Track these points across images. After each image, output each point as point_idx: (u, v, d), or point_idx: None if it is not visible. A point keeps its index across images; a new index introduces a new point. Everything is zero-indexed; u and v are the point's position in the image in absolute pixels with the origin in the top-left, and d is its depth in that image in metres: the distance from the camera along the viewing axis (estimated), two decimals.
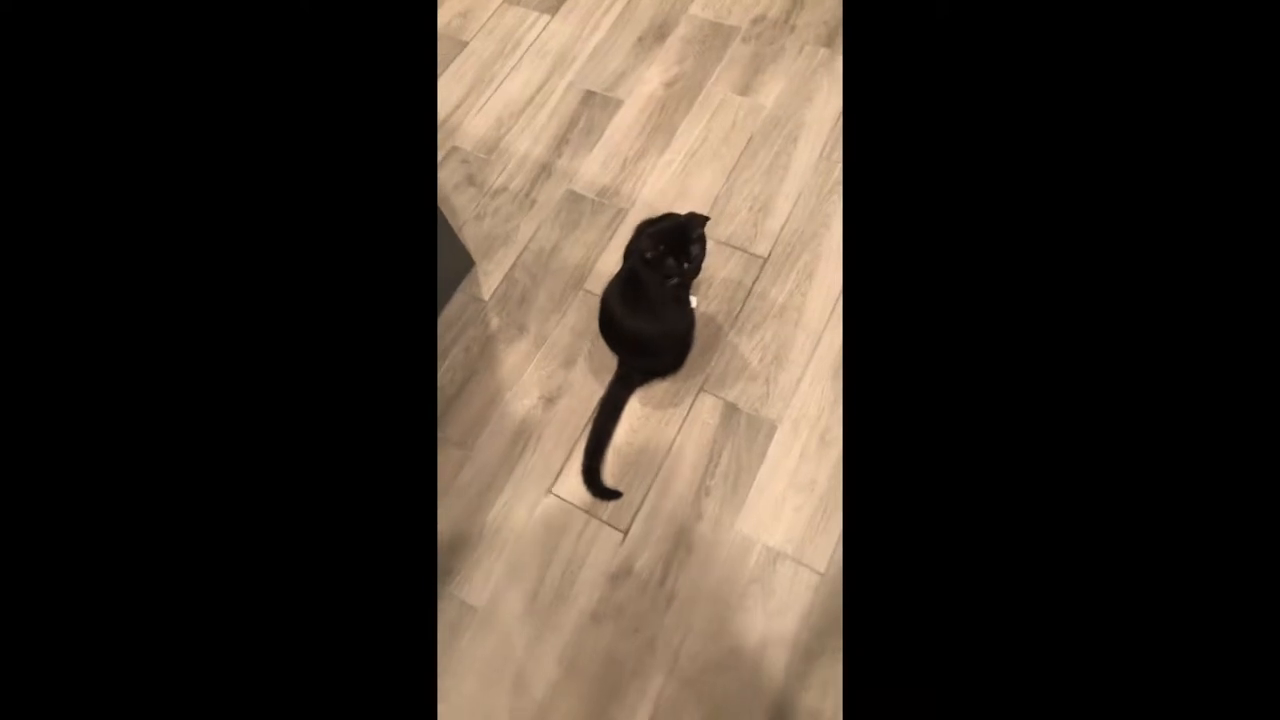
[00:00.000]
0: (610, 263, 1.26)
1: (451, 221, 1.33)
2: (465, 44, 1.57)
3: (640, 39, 1.52)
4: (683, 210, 1.26)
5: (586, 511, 1.07)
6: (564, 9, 1.59)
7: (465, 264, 1.28)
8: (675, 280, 0.98)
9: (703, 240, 0.98)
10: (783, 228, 1.26)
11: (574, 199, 1.35)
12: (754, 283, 1.22)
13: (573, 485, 1.09)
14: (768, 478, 1.06)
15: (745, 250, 1.25)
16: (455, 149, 1.43)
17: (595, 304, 1.12)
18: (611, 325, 1.06)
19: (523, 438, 1.13)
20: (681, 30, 1.52)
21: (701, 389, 1.14)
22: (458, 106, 1.48)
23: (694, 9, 1.55)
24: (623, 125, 1.42)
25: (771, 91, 1.41)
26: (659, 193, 1.33)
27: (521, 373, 1.19)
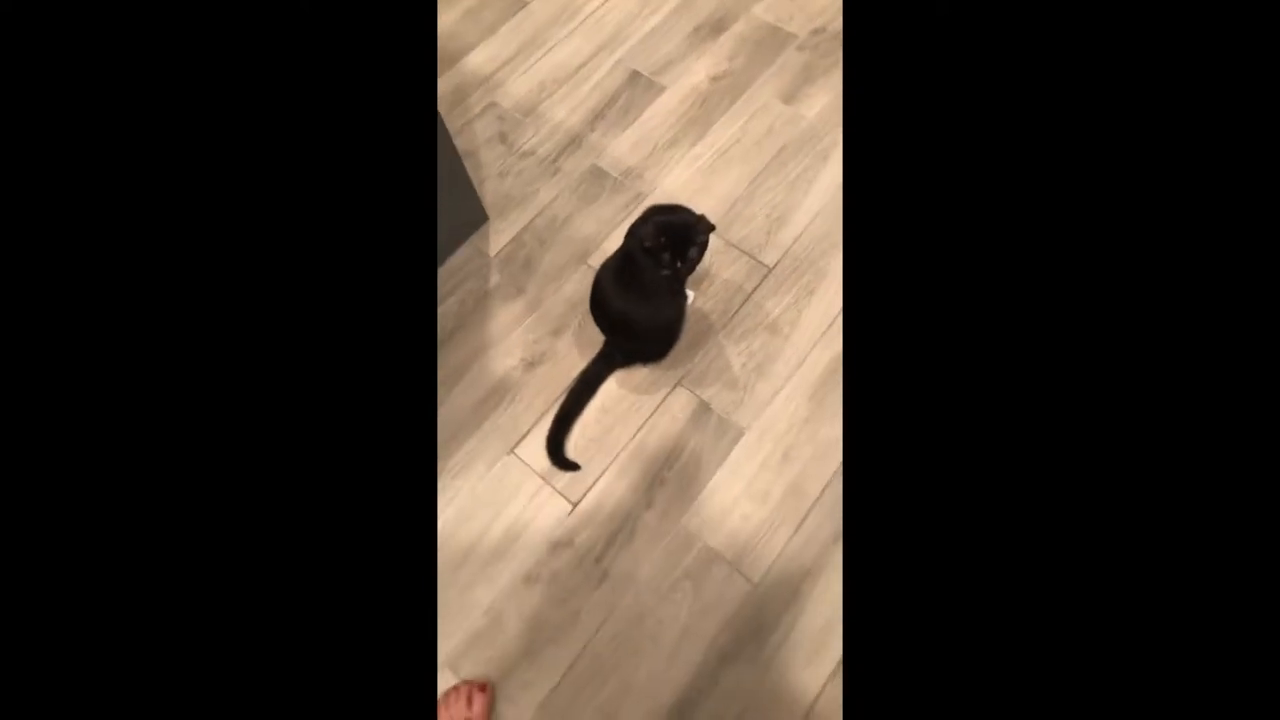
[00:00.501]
0: (618, 242, 1.27)
1: (474, 175, 1.35)
2: (526, 4, 1.58)
3: (697, 29, 1.52)
4: (700, 205, 1.27)
5: (542, 477, 1.09)
6: None
7: (479, 217, 1.30)
8: (668, 273, 0.99)
9: (704, 245, 0.99)
10: (795, 241, 1.26)
11: (597, 174, 1.36)
12: (754, 290, 1.22)
13: (535, 450, 1.11)
14: (724, 481, 1.07)
15: (753, 256, 1.25)
16: (493, 105, 1.45)
17: None
18: (601, 303, 1.08)
19: (497, 395, 1.16)
20: (739, 28, 1.51)
21: (679, 383, 1.15)
22: (505, 64, 1.50)
23: (757, 9, 1.54)
24: (661, 111, 1.42)
25: (815, 104, 1.40)
26: (682, 183, 1.34)
27: (510, 332, 1.21)
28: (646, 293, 1.04)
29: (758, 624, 0.97)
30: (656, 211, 1.04)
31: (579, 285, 1.24)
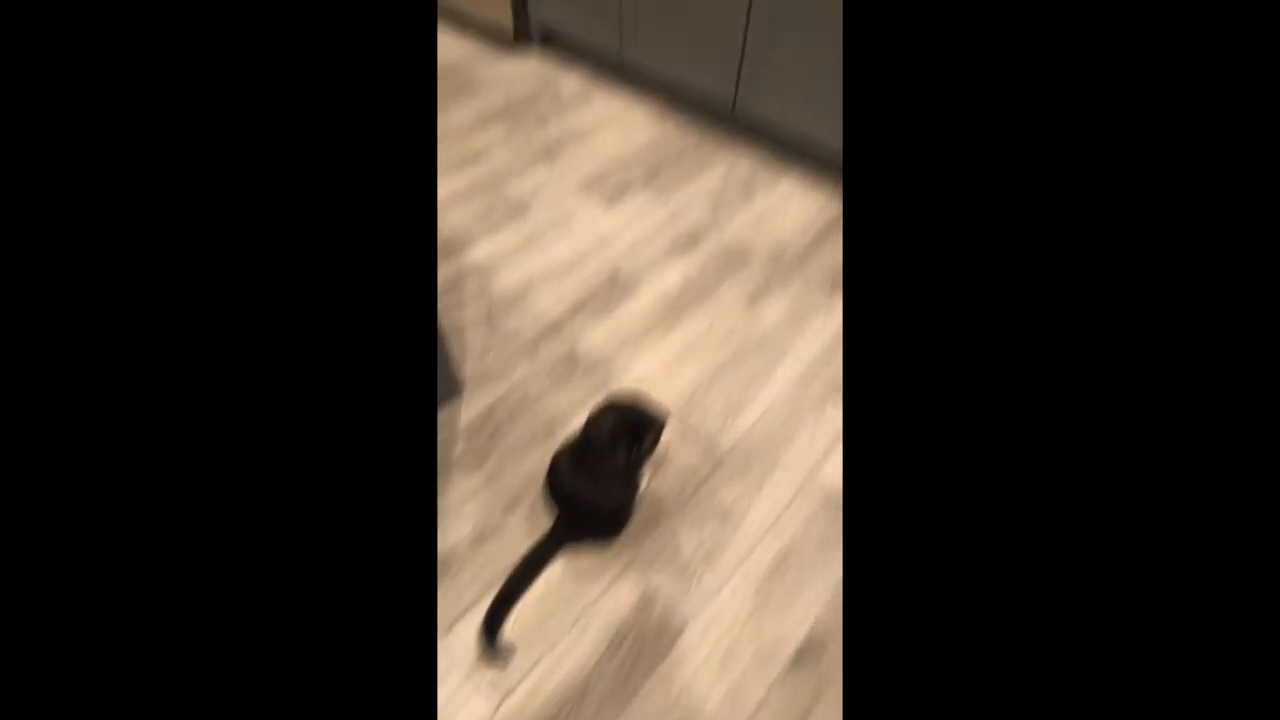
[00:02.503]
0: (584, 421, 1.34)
1: (457, 350, 1.46)
2: (528, 209, 1.84)
3: (675, 240, 1.75)
4: (664, 391, 1.36)
5: (469, 669, 1.03)
6: (620, 204, 1.86)
7: (454, 389, 1.38)
8: (622, 462, 1.04)
9: (658, 436, 1.05)
10: (749, 430, 1.33)
11: (572, 359, 1.47)
12: (710, 474, 1.26)
13: (468, 635, 1.06)
14: (661, 681, 1.01)
15: (709, 443, 1.31)
16: (485, 291, 1.61)
17: None
18: (555, 482, 1.11)
19: (440, 569, 1.14)
20: (711, 245, 1.74)
21: (628, 566, 1.14)
22: (501, 258, 1.70)
23: (729, 231, 1.78)
24: (636, 308, 1.58)
25: (773, 314, 1.56)
26: (650, 371, 1.44)
27: (465, 504, 1.22)
28: (599, 477, 1.08)
29: None
30: (615, 401, 1.12)
31: (538, 462, 1.28)
